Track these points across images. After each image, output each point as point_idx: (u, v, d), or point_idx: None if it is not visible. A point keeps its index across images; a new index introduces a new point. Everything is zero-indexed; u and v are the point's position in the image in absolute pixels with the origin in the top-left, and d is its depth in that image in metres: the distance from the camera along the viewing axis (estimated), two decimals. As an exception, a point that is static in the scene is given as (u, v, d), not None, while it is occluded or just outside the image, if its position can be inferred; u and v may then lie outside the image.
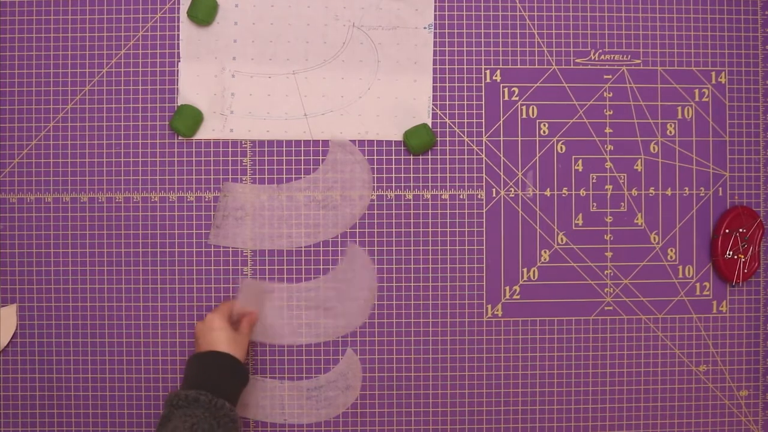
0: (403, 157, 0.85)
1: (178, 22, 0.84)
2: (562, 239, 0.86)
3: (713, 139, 0.87)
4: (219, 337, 0.74)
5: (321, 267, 0.84)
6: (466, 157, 0.85)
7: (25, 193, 0.83)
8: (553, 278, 0.85)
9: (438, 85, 0.85)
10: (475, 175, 0.85)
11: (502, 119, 0.85)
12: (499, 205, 0.85)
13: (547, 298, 0.85)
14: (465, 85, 0.85)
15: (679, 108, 0.86)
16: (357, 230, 0.84)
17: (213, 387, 0.70)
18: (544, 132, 0.86)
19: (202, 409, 0.68)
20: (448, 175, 0.85)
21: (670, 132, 0.86)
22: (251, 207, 0.84)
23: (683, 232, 0.86)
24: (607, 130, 0.86)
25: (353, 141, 0.84)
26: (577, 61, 0.86)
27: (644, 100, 0.86)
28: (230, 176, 0.84)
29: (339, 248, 0.84)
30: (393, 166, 0.85)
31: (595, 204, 0.86)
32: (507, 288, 0.85)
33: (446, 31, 0.85)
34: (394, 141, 0.85)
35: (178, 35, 0.84)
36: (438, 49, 0.85)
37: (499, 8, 0.85)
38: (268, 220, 0.84)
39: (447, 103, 0.85)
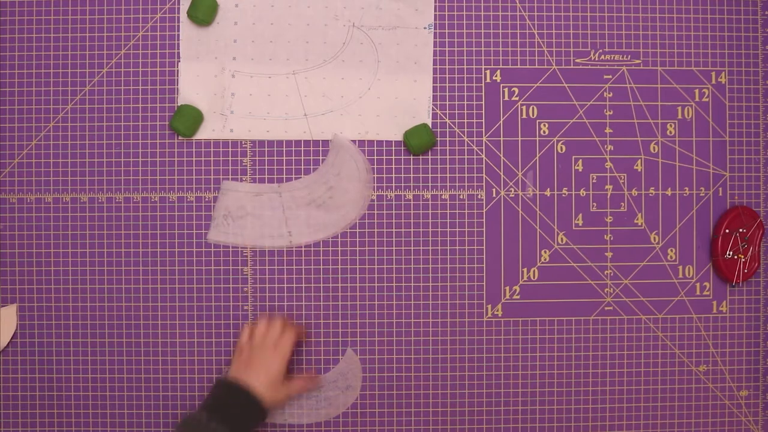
0: (403, 157, 0.85)
1: (178, 22, 0.84)
2: (562, 239, 0.86)
3: (713, 139, 0.87)
4: (267, 382, 0.75)
5: (321, 267, 0.84)
6: (466, 157, 0.85)
7: (25, 193, 0.83)
8: (553, 278, 0.85)
9: (438, 85, 0.85)
10: (475, 175, 0.85)
11: (502, 119, 0.85)
12: (499, 205, 0.85)
13: (547, 298, 0.85)
14: (465, 85, 0.85)
15: (679, 108, 0.86)
16: (357, 230, 0.84)
17: (234, 425, 0.72)
18: (544, 132, 0.86)
19: None
20: (448, 175, 0.85)
21: (670, 132, 0.86)
22: (251, 207, 0.84)
23: (683, 232, 0.86)
24: (607, 130, 0.86)
25: (353, 141, 0.84)
26: (577, 61, 0.86)
27: (644, 100, 0.86)
28: (230, 176, 0.84)
29: (339, 248, 0.84)
30: (393, 166, 0.85)
31: (595, 204, 0.86)
32: (507, 288, 0.85)
33: (446, 31, 0.85)
34: (394, 141, 0.85)
35: (178, 35, 0.84)
36: (438, 49, 0.85)
37: (499, 8, 0.85)
38: (268, 220, 0.84)
39: (447, 103, 0.85)
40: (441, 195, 0.85)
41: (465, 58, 0.85)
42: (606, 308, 0.86)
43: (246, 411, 0.74)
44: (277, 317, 0.81)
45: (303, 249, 0.84)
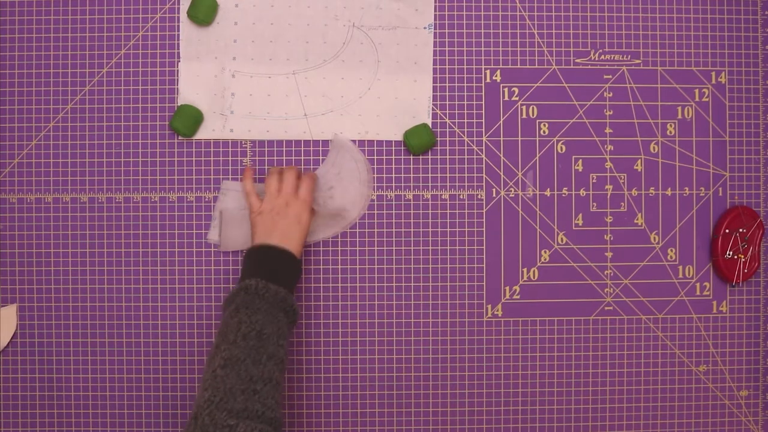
0: (403, 157, 0.85)
1: (178, 22, 0.84)
2: (562, 239, 0.86)
3: (713, 139, 0.87)
4: (300, 237, 0.75)
5: (321, 267, 0.84)
6: (466, 157, 0.85)
7: (25, 193, 0.83)
8: (553, 278, 0.85)
9: (438, 85, 0.85)
10: (475, 175, 0.85)
11: (502, 119, 0.85)
12: (499, 205, 0.85)
13: (547, 298, 0.85)
14: (465, 85, 0.85)
15: (679, 108, 0.86)
16: (357, 230, 0.84)
17: (288, 287, 0.72)
18: (544, 132, 0.86)
19: (284, 310, 0.70)
20: (448, 175, 0.85)
21: (670, 132, 0.86)
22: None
23: (683, 232, 0.86)
24: (607, 130, 0.86)
25: (353, 141, 0.84)
26: (577, 61, 0.86)
27: (644, 100, 0.86)
28: (230, 176, 0.84)
29: (339, 248, 0.84)
30: (393, 166, 0.85)
31: (595, 204, 0.86)
32: (507, 288, 0.85)
33: (446, 31, 0.85)
34: (394, 141, 0.85)
35: (178, 35, 0.84)
36: (438, 49, 0.85)
37: (499, 8, 0.85)
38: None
39: (447, 103, 0.85)
40: (441, 195, 0.85)
41: (465, 58, 0.85)
42: (606, 308, 0.86)
43: (290, 270, 0.73)
44: (288, 169, 0.79)
45: (303, 248, 0.84)
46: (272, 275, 0.71)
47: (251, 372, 0.62)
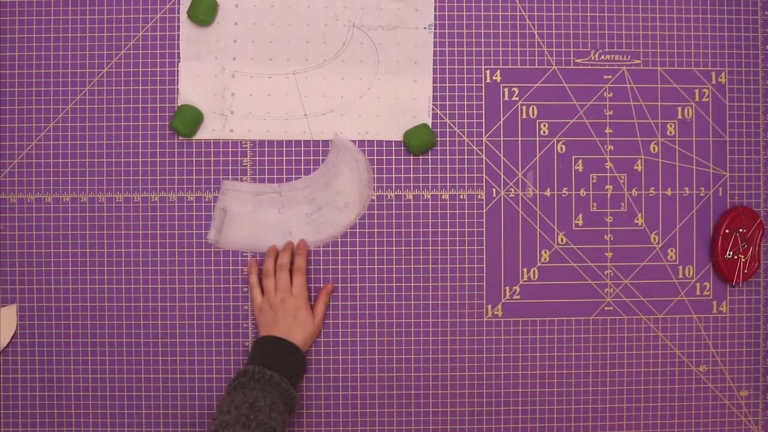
0: (403, 157, 0.85)
1: (178, 22, 0.84)
2: (562, 239, 0.86)
3: (713, 139, 0.87)
4: (298, 329, 0.79)
5: (321, 267, 0.84)
6: (466, 157, 0.85)
7: (25, 193, 0.83)
8: (553, 278, 0.85)
9: (438, 85, 0.85)
10: (475, 175, 0.85)
11: (502, 119, 0.85)
12: (499, 205, 0.85)
13: (547, 298, 0.85)
14: (465, 85, 0.85)
15: (679, 108, 0.87)
16: (357, 230, 0.84)
17: (288, 375, 0.75)
18: (544, 132, 0.86)
19: (279, 393, 0.72)
20: (448, 175, 0.85)
21: (670, 132, 0.86)
22: (251, 206, 0.84)
23: (683, 232, 0.86)
24: (607, 130, 0.86)
25: (353, 141, 0.84)
26: (577, 61, 0.86)
27: (644, 100, 0.86)
28: (230, 176, 0.84)
29: (339, 248, 0.84)
30: (393, 166, 0.85)
31: (595, 204, 0.86)
32: (507, 288, 0.85)
33: (446, 31, 0.85)
34: (394, 141, 0.85)
35: (178, 35, 0.84)
36: (438, 49, 0.85)
37: (499, 8, 0.85)
38: (268, 220, 0.83)
39: (447, 103, 0.85)
40: (441, 195, 0.85)
41: (465, 58, 0.85)
42: (606, 308, 0.86)
43: (294, 361, 0.77)
44: (280, 269, 0.80)
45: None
46: (274, 363, 0.74)
47: None
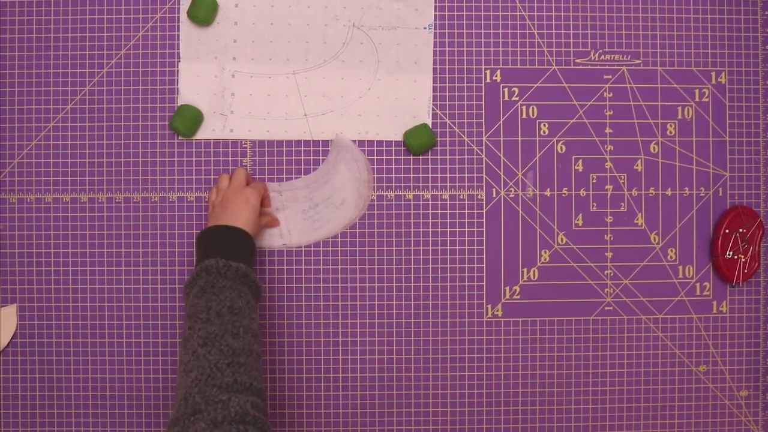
0: (403, 157, 0.85)
1: (178, 22, 0.84)
2: (562, 239, 0.86)
3: (713, 139, 0.87)
4: (250, 216, 0.75)
5: (321, 267, 0.84)
6: (466, 157, 0.85)
7: (25, 193, 0.83)
8: (553, 278, 0.85)
9: (438, 85, 0.85)
10: (475, 175, 0.85)
11: (502, 119, 0.85)
12: (499, 205, 0.85)
13: (547, 298, 0.85)
14: (465, 85, 0.85)
15: (679, 108, 0.87)
16: (357, 230, 0.84)
17: (244, 260, 0.71)
18: (544, 132, 0.86)
19: (248, 286, 0.69)
20: (448, 175, 0.85)
21: (670, 132, 0.86)
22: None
23: (683, 232, 0.86)
24: (607, 130, 0.86)
25: (353, 141, 0.84)
26: (577, 61, 0.86)
27: (644, 100, 0.86)
28: (230, 176, 0.84)
29: (339, 248, 0.84)
30: (393, 166, 0.85)
31: (595, 204, 0.86)
32: (507, 288, 0.85)
33: (446, 31, 0.85)
34: (394, 141, 0.85)
35: (178, 35, 0.84)
36: (438, 49, 0.85)
37: (499, 8, 0.85)
38: (268, 220, 0.84)
39: (447, 103, 0.85)
40: (441, 195, 0.85)
41: (465, 58, 0.85)
42: (606, 308, 0.86)
43: (246, 246, 0.73)
44: (239, 170, 0.80)
45: (303, 248, 0.84)
46: (229, 253, 0.71)
47: (232, 346, 0.62)
